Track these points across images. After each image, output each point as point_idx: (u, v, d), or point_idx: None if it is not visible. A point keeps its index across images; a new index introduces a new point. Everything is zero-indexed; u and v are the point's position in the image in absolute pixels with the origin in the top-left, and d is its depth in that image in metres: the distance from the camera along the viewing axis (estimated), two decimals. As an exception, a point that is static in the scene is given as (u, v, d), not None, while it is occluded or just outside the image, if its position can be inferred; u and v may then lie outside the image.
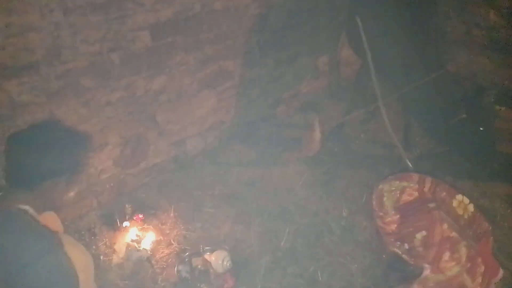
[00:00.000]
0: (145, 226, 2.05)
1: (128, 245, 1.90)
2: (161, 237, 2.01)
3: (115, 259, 1.88)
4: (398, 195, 1.78)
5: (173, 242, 1.99)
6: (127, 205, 2.07)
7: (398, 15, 2.43)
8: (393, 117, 2.53)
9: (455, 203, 1.78)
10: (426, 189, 1.79)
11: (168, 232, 2.05)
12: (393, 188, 1.80)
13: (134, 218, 2.06)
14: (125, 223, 2.02)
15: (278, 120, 3.11)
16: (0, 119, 1.65)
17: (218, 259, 1.84)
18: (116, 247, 1.93)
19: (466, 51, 3.11)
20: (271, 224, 2.12)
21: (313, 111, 3.04)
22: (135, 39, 1.98)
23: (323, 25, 3.11)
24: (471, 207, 1.81)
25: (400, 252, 1.72)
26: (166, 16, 2.06)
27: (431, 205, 1.73)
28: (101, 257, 1.87)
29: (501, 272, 1.70)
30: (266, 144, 2.79)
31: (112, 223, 2.02)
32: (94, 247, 1.91)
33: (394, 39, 2.44)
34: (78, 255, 1.08)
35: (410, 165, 2.28)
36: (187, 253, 1.91)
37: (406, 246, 1.69)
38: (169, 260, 1.90)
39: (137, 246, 1.90)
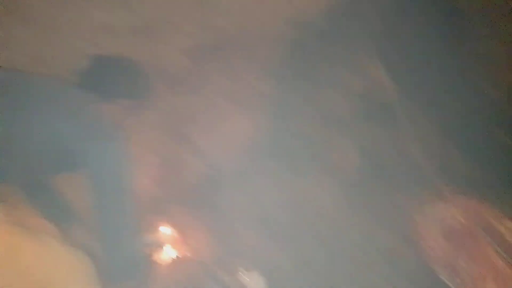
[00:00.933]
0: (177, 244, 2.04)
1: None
2: (192, 256, 1.99)
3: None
4: (444, 220, 1.69)
5: (203, 262, 1.96)
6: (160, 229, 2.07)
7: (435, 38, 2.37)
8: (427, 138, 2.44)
9: (503, 229, 1.67)
10: (472, 214, 1.69)
11: (199, 252, 2.03)
12: (439, 213, 1.70)
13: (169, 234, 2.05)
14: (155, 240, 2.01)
15: (313, 141, 3.07)
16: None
17: (252, 282, 1.80)
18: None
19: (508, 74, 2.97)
20: (309, 250, 2.06)
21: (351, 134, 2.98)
22: (175, 62, 2.05)
23: (358, 45, 3.08)
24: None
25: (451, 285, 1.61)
26: (205, 39, 2.13)
27: (480, 232, 1.62)
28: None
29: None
30: (303, 165, 2.74)
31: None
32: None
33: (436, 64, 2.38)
34: (78, 259, 1.08)
35: (452, 190, 2.16)
36: (219, 274, 1.88)
37: (457, 279, 1.59)
38: (198, 281, 1.88)
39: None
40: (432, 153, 2.38)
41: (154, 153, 2.15)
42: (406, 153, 2.79)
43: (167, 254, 1.96)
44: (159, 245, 1.98)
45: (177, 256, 1.96)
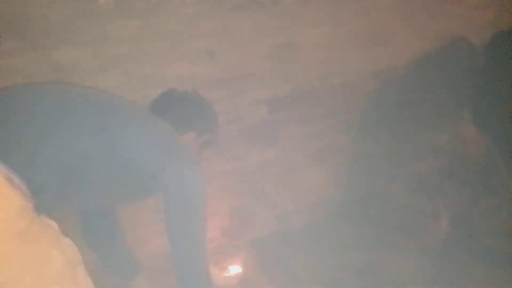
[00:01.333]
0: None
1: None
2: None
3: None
4: None
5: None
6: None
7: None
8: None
9: None
10: None
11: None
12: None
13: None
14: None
15: (392, 199, 2.86)
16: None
17: None
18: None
19: None
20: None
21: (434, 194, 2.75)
22: (253, 112, 2.03)
23: (444, 100, 2.89)
24: None
25: None
26: (284, 91, 2.10)
27: None
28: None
29: None
30: (379, 227, 2.54)
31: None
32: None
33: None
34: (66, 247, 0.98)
35: None
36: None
37: None
38: None
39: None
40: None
41: (224, 201, 2.11)
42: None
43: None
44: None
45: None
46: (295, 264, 2.22)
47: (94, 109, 1.08)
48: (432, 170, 3.08)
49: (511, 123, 2.19)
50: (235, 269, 1.95)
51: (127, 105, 1.21)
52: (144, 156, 1.09)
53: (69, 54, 1.58)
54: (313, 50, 2.12)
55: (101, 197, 1.12)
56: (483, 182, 2.44)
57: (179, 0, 1.71)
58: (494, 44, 2.36)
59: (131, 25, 1.63)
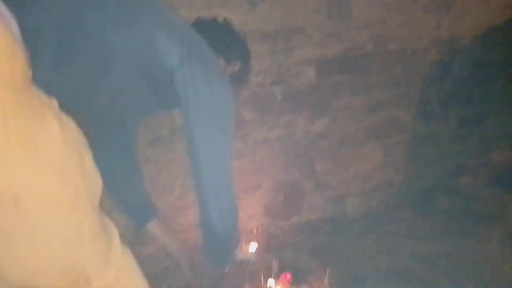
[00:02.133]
0: (293, 289, 1.67)
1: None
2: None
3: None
4: None
5: None
6: (274, 261, 1.74)
7: None
8: None
9: None
10: None
11: None
12: None
13: (281, 277, 1.70)
14: (270, 281, 1.67)
15: (461, 192, 2.48)
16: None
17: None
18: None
19: None
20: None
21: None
22: (299, 74, 1.83)
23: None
24: None
25: None
26: (334, 52, 1.89)
27: None
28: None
29: None
30: (448, 218, 2.19)
31: (255, 280, 1.70)
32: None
33: None
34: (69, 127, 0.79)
35: None
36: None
37: None
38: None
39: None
40: None
41: (266, 174, 1.89)
42: None
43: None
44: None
45: None
46: (351, 252, 1.93)
47: None
48: (507, 161, 2.68)
49: None
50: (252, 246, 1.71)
51: None
52: (166, 45, 0.93)
53: None
54: (368, 9, 1.90)
55: (115, 89, 0.97)
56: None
57: None
58: None
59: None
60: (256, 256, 1.71)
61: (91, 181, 0.80)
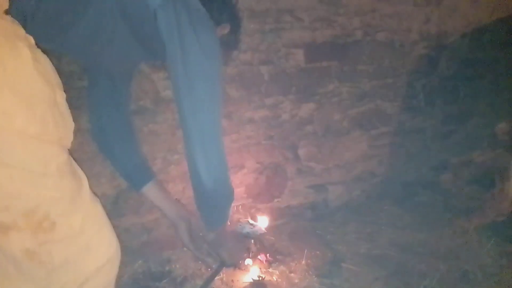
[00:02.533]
0: (270, 270, 1.65)
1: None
2: (287, 286, 1.57)
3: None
4: None
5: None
6: (252, 241, 1.72)
7: None
8: None
9: None
10: None
11: (297, 281, 1.60)
12: None
13: (259, 257, 1.68)
14: (248, 261, 1.65)
15: (442, 188, 2.50)
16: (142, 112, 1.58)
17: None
18: (233, 284, 1.56)
19: None
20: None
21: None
22: (288, 56, 1.83)
23: (505, 83, 2.57)
24: None
25: None
26: (323, 37, 1.89)
27: None
28: (214, 293, 1.51)
29: None
30: (428, 211, 2.21)
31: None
32: (208, 280, 1.57)
33: None
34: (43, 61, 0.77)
35: None
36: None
37: None
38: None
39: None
40: None
41: (249, 155, 1.87)
42: None
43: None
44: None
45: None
46: (331, 238, 1.93)
47: None
48: (488, 161, 2.72)
49: None
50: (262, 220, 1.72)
51: None
52: None
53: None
54: (359, -3, 1.92)
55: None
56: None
57: None
58: None
59: None
60: (264, 231, 1.69)
61: (62, 121, 0.79)
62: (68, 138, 0.81)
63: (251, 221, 1.71)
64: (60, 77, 1.05)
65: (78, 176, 0.84)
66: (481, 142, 2.68)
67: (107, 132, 1.25)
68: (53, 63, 0.85)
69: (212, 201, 1.15)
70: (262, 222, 1.74)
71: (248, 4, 1.67)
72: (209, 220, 1.24)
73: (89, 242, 0.84)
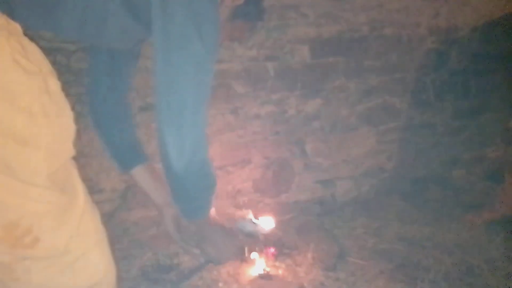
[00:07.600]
0: (277, 263, 1.67)
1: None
2: (293, 280, 1.58)
3: (235, 290, 1.53)
4: None
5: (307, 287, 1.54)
6: (259, 235, 1.74)
7: None
8: None
9: None
10: None
11: (302, 275, 1.61)
12: None
13: (264, 252, 1.70)
14: (254, 254, 1.67)
15: (454, 185, 2.48)
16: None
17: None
18: (239, 277, 1.58)
19: None
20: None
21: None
22: (293, 52, 1.85)
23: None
24: None
25: None
26: (329, 33, 1.90)
27: None
28: (220, 284, 1.54)
29: None
30: (438, 207, 2.19)
31: (240, 252, 1.70)
32: (215, 272, 1.60)
33: None
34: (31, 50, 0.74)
35: None
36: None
37: None
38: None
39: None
40: None
41: (256, 150, 1.89)
42: None
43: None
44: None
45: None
46: (337, 232, 1.93)
47: None
48: (502, 157, 2.67)
49: None
50: (266, 220, 1.72)
51: None
52: None
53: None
54: (365, -8, 1.92)
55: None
56: None
57: None
58: None
59: None
60: (266, 232, 1.68)
61: (56, 111, 0.72)
62: (66, 131, 0.75)
63: (253, 219, 1.71)
64: (69, 74, 1.08)
65: (72, 190, 0.77)
66: (494, 138, 2.64)
67: (102, 108, 1.22)
68: (61, 61, 0.87)
69: (184, 189, 1.04)
70: (267, 223, 1.73)
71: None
72: (183, 210, 1.13)
73: (74, 264, 0.76)
